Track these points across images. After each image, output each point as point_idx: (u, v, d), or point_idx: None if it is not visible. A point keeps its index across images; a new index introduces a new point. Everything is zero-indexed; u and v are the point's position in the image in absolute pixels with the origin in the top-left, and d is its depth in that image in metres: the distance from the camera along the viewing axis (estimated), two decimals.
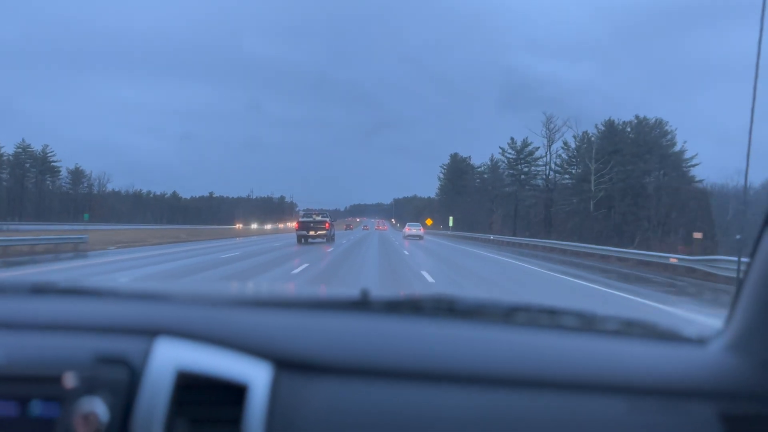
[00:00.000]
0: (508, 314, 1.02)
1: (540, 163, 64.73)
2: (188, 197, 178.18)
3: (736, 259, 1.21)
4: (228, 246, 28.69)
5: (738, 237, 1.23)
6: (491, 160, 79.78)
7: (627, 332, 1.01)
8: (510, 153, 68.38)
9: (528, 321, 1.00)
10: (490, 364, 0.84)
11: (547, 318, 1.03)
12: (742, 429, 0.80)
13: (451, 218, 60.63)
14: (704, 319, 8.57)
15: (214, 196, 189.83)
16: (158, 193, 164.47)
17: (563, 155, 59.66)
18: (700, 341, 0.98)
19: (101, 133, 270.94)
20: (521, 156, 67.19)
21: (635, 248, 27.99)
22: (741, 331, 0.90)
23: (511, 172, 68.29)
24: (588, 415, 0.79)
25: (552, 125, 54.91)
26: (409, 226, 48.08)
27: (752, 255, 0.91)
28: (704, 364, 0.88)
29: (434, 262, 19.52)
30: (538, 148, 65.49)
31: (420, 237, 44.26)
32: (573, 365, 0.85)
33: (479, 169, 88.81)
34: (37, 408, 0.75)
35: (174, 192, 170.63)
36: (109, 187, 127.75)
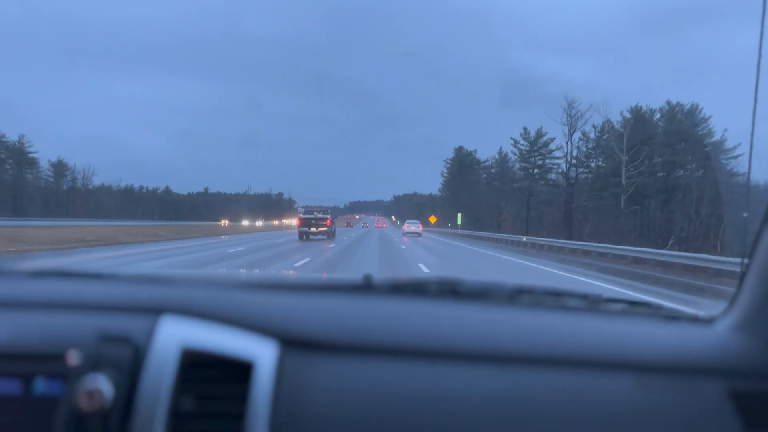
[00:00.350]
0: (513, 296, 1.02)
1: (557, 154, 58.87)
2: (185, 193, 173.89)
3: None
4: (175, 250, 22.74)
5: (745, 215, 1.07)
6: (499, 153, 74.18)
7: (632, 312, 1.01)
8: (522, 144, 62.70)
9: (533, 302, 1.00)
10: (496, 342, 0.84)
11: (553, 299, 1.03)
12: (751, 406, 0.81)
13: (459, 215, 54.56)
14: None
15: (209, 192, 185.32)
16: (151, 188, 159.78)
17: (582, 147, 53.65)
18: (707, 320, 0.98)
19: (96, 127, 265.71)
20: (535, 148, 61.37)
21: (669, 249, 22.86)
22: (748, 309, 0.90)
23: (524, 165, 62.44)
24: (597, 392, 0.79)
25: (574, 111, 48.86)
26: (408, 223, 51.02)
27: (758, 234, 0.91)
28: (711, 343, 0.89)
29: None
30: (554, 138, 59.75)
31: (419, 234, 46.01)
32: (580, 343, 0.85)
33: (485, 164, 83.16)
34: (40, 386, 0.75)
35: (167, 187, 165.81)
36: (98, 182, 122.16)
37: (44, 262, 14.48)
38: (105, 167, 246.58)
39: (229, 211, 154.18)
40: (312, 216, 30.50)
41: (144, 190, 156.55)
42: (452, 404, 0.75)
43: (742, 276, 0.93)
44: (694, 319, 0.99)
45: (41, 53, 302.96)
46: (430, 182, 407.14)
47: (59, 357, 0.75)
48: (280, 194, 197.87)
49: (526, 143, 62.13)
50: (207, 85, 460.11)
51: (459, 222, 54.27)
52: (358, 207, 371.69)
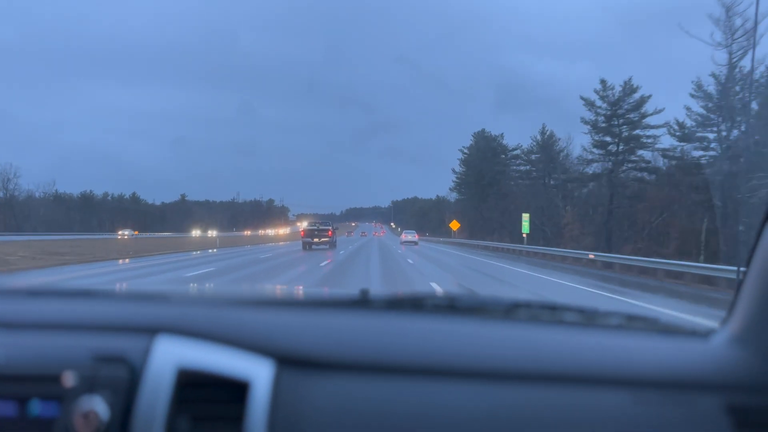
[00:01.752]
0: (510, 311, 1.02)
1: (653, 121, 37.06)
2: (171, 201, 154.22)
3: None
4: None
5: (741, 228, 1.06)
6: (542, 132, 52.63)
7: (629, 327, 1.01)
8: (601, 107, 39.89)
9: (529, 317, 1.00)
10: (493, 359, 0.83)
11: (549, 314, 1.03)
12: (749, 420, 0.80)
13: (527, 218, 32.71)
14: None
15: (186, 200, 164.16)
16: (116, 195, 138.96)
17: (700, 105, 31.92)
18: (703, 334, 0.97)
19: (83, 136, 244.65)
20: (618, 111, 39.19)
21: None
22: (744, 323, 0.89)
23: (601, 139, 40.13)
24: (594, 408, 0.78)
25: (740, 22, 26.55)
26: (405, 233, 52.81)
27: (753, 247, 0.89)
28: (708, 357, 0.88)
29: None
30: (650, 96, 37.99)
31: (415, 243, 47.94)
32: (576, 359, 0.85)
33: (515, 152, 61.79)
34: (36, 407, 0.74)
35: (134, 194, 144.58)
36: (33, 187, 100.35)
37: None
38: (89, 176, 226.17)
39: (210, 220, 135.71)
40: (315, 227, 34.13)
41: (109, 198, 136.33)
42: (449, 422, 0.75)
43: (738, 290, 0.91)
44: (692, 333, 0.97)
45: (28, 61, 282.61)
46: (431, 187, 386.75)
47: (55, 378, 0.74)
48: (271, 201, 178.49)
49: (605, 105, 39.73)
50: (198, 93, 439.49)
51: (526, 229, 32.42)
52: (355, 214, 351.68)
